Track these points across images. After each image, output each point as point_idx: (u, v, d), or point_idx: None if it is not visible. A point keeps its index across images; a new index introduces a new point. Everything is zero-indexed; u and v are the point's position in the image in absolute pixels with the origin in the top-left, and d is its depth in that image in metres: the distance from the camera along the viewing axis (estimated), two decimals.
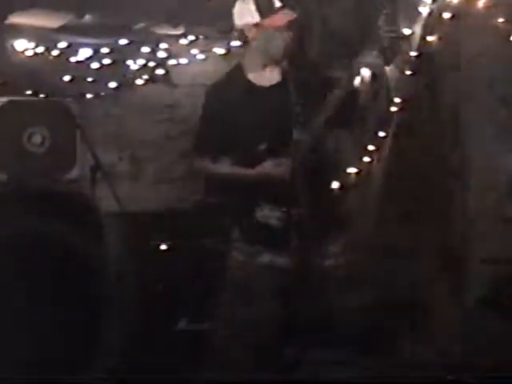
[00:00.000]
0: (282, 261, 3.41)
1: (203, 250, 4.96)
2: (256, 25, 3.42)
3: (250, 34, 3.45)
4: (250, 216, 3.42)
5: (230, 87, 3.50)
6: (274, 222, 3.37)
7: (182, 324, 4.77)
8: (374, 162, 5.04)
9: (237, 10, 3.49)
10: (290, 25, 3.44)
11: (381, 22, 3.42)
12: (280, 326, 3.40)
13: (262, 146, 3.38)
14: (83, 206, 4.84)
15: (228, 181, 3.52)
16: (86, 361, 4.07)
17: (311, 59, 3.77)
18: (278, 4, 3.44)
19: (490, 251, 4.49)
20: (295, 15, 3.45)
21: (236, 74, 3.53)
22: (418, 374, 3.68)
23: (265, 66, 3.48)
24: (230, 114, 3.44)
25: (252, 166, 3.40)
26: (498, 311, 4.36)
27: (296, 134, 3.35)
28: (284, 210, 3.36)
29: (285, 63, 3.46)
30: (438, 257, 4.66)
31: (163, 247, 5.05)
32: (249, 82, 3.49)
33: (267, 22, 3.41)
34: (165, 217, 5.27)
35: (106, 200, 4.90)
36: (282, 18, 3.42)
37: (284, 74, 3.47)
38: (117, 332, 4.14)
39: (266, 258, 3.45)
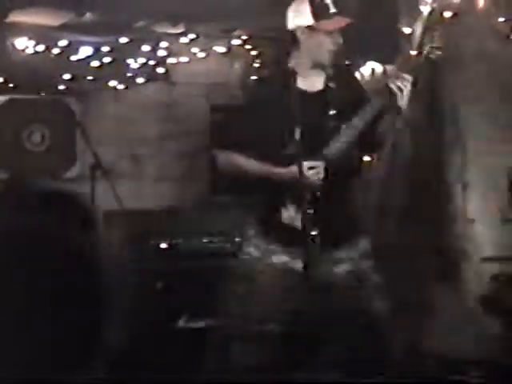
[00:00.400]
0: (297, 263, 3.40)
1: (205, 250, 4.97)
2: (309, 27, 3.43)
3: (302, 36, 3.45)
4: (274, 214, 3.41)
5: (275, 87, 3.48)
6: (298, 223, 3.36)
7: (184, 322, 4.78)
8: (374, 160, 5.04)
9: (291, 11, 3.47)
10: (342, 30, 3.44)
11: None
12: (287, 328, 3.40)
13: (293, 149, 3.38)
14: (81, 204, 4.82)
15: (255, 177, 3.50)
16: (82, 361, 4.07)
17: (351, 71, 3.76)
18: (333, 10, 3.43)
19: (490, 250, 4.49)
20: (350, 20, 3.45)
21: (283, 75, 3.50)
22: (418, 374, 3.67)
23: (310, 71, 3.48)
24: (270, 114, 3.44)
25: (282, 166, 3.40)
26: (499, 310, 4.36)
27: (328, 142, 3.35)
28: (309, 212, 3.34)
29: (329, 71, 3.46)
30: (438, 256, 4.66)
31: (163, 245, 5.06)
32: (294, 85, 3.48)
33: (322, 25, 3.40)
34: (165, 215, 5.28)
35: (105, 198, 4.91)
36: (337, 22, 3.41)
37: (327, 82, 3.46)
38: (116, 332, 4.14)
39: (282, 258, 3.45)
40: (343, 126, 3.37)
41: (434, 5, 4.61)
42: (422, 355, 4.09)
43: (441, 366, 3.87)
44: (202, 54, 5.89)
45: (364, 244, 3.53)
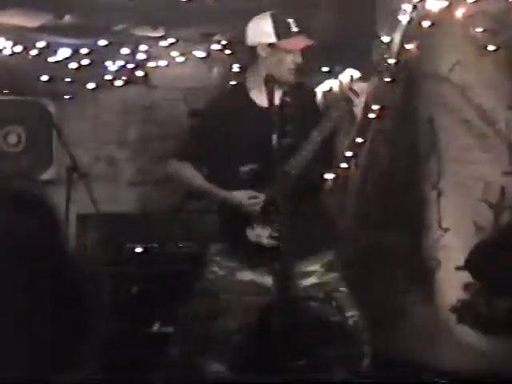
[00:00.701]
0: (264, 279, 3.40)
1: (180, 255, 4.95)
2: (271, 45, 3.42)
3: (263, 53, 3.44)
4: (239, 232, 3.41)
5: (232, 103, 3.49)
6: (266, 240, 3.36)
7: (156, 327, 4.76)
8: (351, 168, 5.05)
9: (252, 28, 3.48)
10: (303, 50, 3.44)
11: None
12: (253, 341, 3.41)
13: (250, 167, 3.38)
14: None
15: (200, 194, 3.52)
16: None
17: (309, 86, 3.77)
18: (294, 29, 3.44)
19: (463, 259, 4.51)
20: (310, 41, 3.45)
21: (239, 92, 3.52)
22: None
23: (268, 87, 3.47)
24: (226, 129, 3.44)
25: (235, 186, 3.40)
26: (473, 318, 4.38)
27: (284, 158, 3.35)
28: (272, 230, 3.34)
29: (285, 87, 3.47)
30: (413, 264, 4.67)
31: (138, 249, 5.03)
32: (251, 100, 3.49)
33: (283, 43, 3.42)
34: (141, 219, 5.26)
35: (82, 201, 4.88)
36: (299, 42, 3.44)
37: (283, 97, 3.47)
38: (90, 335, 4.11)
39: (247, 275, 3.44)
40: (302, 141, 3.36)
41: (413, 14, 4.65)
42: (393, 363, 4.10)
43: (411, 375, 3.88)
44: (181, 58, 5.88)
45: (331, 256, 3.54)
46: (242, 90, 3.53)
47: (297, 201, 3.33)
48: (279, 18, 3.45)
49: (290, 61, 3.43)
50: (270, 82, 3.38)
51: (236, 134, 3.44)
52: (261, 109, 3.46)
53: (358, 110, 3.53)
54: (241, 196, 3.39)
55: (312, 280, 3.45)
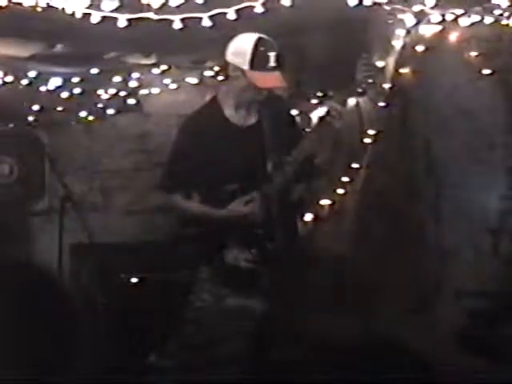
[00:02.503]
0: (251, 303, 3.36)
1: (173, 284, 4.90)
2: (242, 70, 3.36)
3: (233, 74, 3.39)
4: (219, 257, 3.37)
5: (206, 121, 3.44)
6: (243, 263, 3.32)
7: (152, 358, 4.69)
8: (348, 193, 5.03)
9: (233, 46, 3.42)
10: (271, 88, 3.38)
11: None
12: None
13: (232, 186, 3.34)
14: None
15: (197, 219, 3.47)
16: None
17: (285, 101, 3.71)
18: (273, 63, 3.34)
19: (464, 283, 4.47)
20: (282, 83, 3.36)
21: (212, 109, 3.48)
22: None
23: (240, 106, 3.44)
24: (203, 150, 3.38)
25: (221, 205, 3.35)
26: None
27: (269, 175, 3.31)
28: (254, 251, 3.31)
29: (260, 106, 3.41)
30: (413, 290, 4.63)
31: (133, 280, 4.98)
32: (225, 118, 3.44)
33: (252, 75, 3.34)
34: (135, 249, 5.21)
35: (75, 231, 4.83)
36: (269, 80, 3.34)
37: (259, 115, 3.42)
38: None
39: (234, 300, 3.39)
40: (282, 160, 3.32)
41: (407, 39, 4.65)
42: None
43: None
44: (173, 85, 5.85)
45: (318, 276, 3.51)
46: (216, 108, 3.47)
47: (280, 222, 3.29)
48: (262, 48, 3.34)
49: (252, 93, 3.38)
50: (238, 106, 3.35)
51: (214, 154, 3.38)
52: (238, 127, 3.42)
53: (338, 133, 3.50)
54: (237, 205, 3.33)
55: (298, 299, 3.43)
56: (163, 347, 4.32)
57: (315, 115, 4.45)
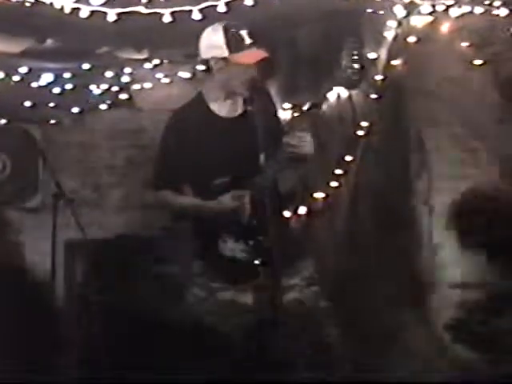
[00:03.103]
0: (241, 296, 3.35)
1: (167, 278, 4.89)
2: (224, 59, 3.36)
3: (216, 67, 3.38)
4: (212, 249, 3.35)
5: (192, 117, 3.43)
6: (240, 255, 3.30)
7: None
8: (341, 186, 5.01)
9: (204, 41, 3.41)
10: (257, 64, 3.38)
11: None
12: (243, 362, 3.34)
13: (223, 179, 3.32)
14: None
15: (189, 213, 3.45)
16: None
17: (269, 92, 3.70)
18: (248, 41, 3.35)
19: (457, 276, 4.47)
20: (265, 54, 3.38)
21: (198, 104, 3.46)
22: None
23: (226, 98, 3.42)
24: (191, 145, 3.37)
25: (212, 198, 3.33)
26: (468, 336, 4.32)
27: (257, 168, 3.29)
28: (250, 242, 3.29)
29: (247, 96, 3.39)
30: (406, 282, 4.62)
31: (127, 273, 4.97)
32: (211, 112, 3.43)
33: (236, 57, 3.33)
34: (128, 244, 5.19)
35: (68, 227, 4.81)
36: (252, 55, 3.34)
37: (245, 106, 3.40)
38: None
39: (227, 294, 3.38)
40: (270, 151, 3.30)
41: (398, 30, 4.63)
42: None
43: None
44: (166, 80, 5.84)
45: (310, 270, 3.47)
46: (201, 102, 3.46)
47: (274, 213, 3.27)
48: (232, 31, 3.34)
49: (244, 74, 3.37)
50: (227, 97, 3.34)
51: (203, 148, 3.37)
52: (224, 119, 3.41)
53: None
54: (228, 199, 3.32)
55: (293, 295, 3.39)
56: None
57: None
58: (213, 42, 3.37)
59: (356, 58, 3.34)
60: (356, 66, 3.27)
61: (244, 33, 3.35)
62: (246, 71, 3.36)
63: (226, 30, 3.36)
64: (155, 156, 3.51)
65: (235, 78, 3.35)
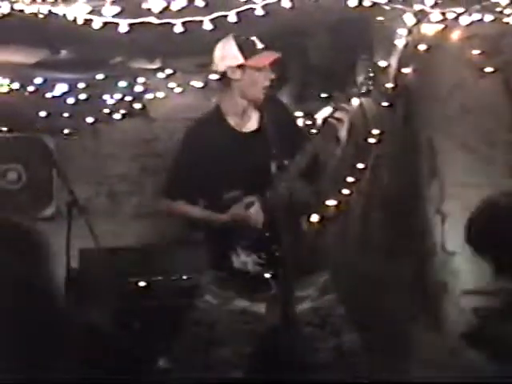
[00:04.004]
0: (255, 306, 3.36)
1: (183, 287, 4.92)
2: (240, 66, 3.39)
3: (233, 76, 3.41)
4: (225, 261, 3.37)
5: (209, 130, 3.45)
6: (252, 267, 3.32)
7: (160, 363, 4.70)
8: (353, 195, 5.02)
9: (218, 53, 3.45)
10: (273, 64, 3.41)
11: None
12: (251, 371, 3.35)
13: (236, 192, 3.34)
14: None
15: (198, 225, 3.47)
16: None
17: (287, 108, 3.72)
18: (260, 45, 3.40)
19: (470, 283, 4.46)
20: (278, 55, 3.42)
21: (215, 117, 3.49)
22: None
23: (244, 110, 3.44)
24: (207, 157, 3.39)
25: (223, 210, 3.35)
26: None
27: (273, 179, 3.30)
28: (260, 255, 3.31)
29: (263, 110, 3.41)
30: (419, 289, 4.62)
31: (141, 284, 5.00)
32: (228, 125, 3.45)
33: (251, 62, 3.36)
34: (142, 253, 5.22)
35: (82, 236, 4.84)
36: (266, 57, 3.38)
37: (261, 120, 3.42)
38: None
39: (240, 303, 3.39)
40: (285, 164, 3.31)
41: (409, 38, 4.64)
42: None
43: None
44: (179, 89, 5.88)
45: (326, 279, 3.47)
46: (218, 116, 3.49)
47: (288, 225, 3.27)
48: (242, 38, 3.40)
49: (263, 78, 3.40)
50: (249, 106, 3.37)
51: (218, 161, 3.39)
52: (241, 133, 3.43)
53: (342, 135, 3.49)
54: (238, 209, 3.34)
55: (306, 305, 3.40)
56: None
57: (320, 116, 4.48)
58: (226, 52, 3.41)
59: (369, 68, 3.36)
60: (369, 76, 3.28)
61: (254, 38, 3.41)
62: (264, 75, 3.39)
63: (236, 39, 3.41)
64: (170, 165, 3.53)
65: (254, 84, 3.38)
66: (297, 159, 3.31)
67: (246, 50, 3.37)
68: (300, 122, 5.24)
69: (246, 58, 3.37)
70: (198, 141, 3.44)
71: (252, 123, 3.45)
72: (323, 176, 3.69)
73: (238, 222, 3.32)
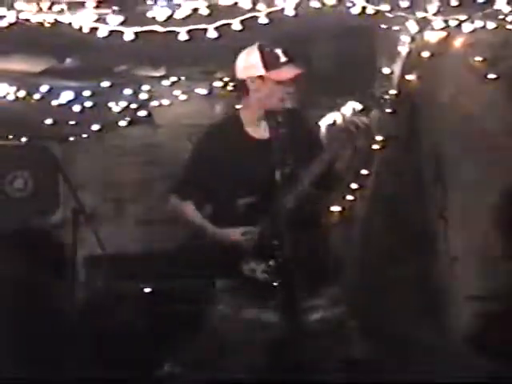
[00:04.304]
0: (267, 316, 3.38)
1: (189, 293, 4.94)
2: (260, 77, 3.41)
3: (253, 87, 3.43)
4: (235, 268, 3.39)
5: (226, 135, 3.48)
6: (261, 275, 3.34)
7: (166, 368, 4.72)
8: (357, 201, 5.04)
9: (241, 63, 3.45)
10: (294, 79, 3.43)
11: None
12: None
13: (248, 199, 3.37)
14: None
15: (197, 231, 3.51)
16: None
17: (304, 116, 3.74)
18: (283, 59, 3.40)
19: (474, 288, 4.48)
20: (300, 70, 3.43)
21: (233, 123, 3.52)
22: None
23: (260, 120, 3.47)
24: (222, 162, 3.42)
25: (233, 219, 3.39)
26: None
27: (282, 191, 3.33)
28: (271, 263, 3.33)
29: (280, 119, 3.44)
30: (423, 294, 4.64)
31: (147, 290, 5.03)
32: (245, 133, 3.48)
33: (273, 75, 3.37)
34: (147, 259, 5.25)
35: (88, 243, 4.88)
36: (288, 72, 3.39)
37: (278, 129, 3.44)
38: None
39: (251, 312, 3.41)
40: (300, 173, 3.34)
41: (412, 45, 4.67)
42: None
43: None
44: (183, 97, 5.91)
45: (336, 289, 3.49)
46: (236, 123, 3.52)
47: (297, 234, 3.30)
48: (267, 50, 3.40)
49: (281, 91, 3.42)
50: (267, 116, 3.39)
51: (233, 167, 3.42)
52: (257, 141, 3.46)
53: (359, 143, 3.49)
54: (234, 233, 3.37)
55: (317, 315, 3.42)
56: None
57: (323, 123, 4.50)
58: (249, 62, 3.41)
59: (386, 88, 3.40)
60: (387, 95, 3.33)
61: (279, 51, 3.41)
62: (283, 88, 3.42)
63: (261, 50, 3.41)
64: (185, 164, 3.56)
65: (272, 95, 3.41)
66: (311, 168, 3.33)
67: (269, 61, 3.38)
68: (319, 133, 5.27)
69: (267, 69, 3.38)
70: (214, 145, 3.46)
71: (267, 132, 3.48)
72: (336, 185, 3.70)
73: (225, 244, 3.36)
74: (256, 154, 3.39)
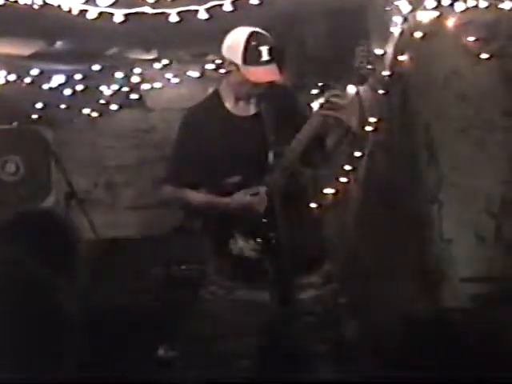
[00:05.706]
0: (259, 295, 3.36)
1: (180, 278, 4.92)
2: (236, 65, 3.35)
3: (228, 69, 3.39)
4: (224, 248, 3.37)
5: (207, 114, 3.44)
6: (248, 253, 3.32)
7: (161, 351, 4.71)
8: (351, 182, 5.02)
9: (228, 41, 3.38)
10: (265, 84, 3.35)
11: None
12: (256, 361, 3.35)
13: (236, 178, 3.34)
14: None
15: (201, 211, 3.47)
16: None
17: (287, 89, 3.68)
18: (265, 57, 3.29)
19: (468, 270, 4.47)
20: (277, 76, 3.34)
21: (214, 101, 3.48)
22: None
23: (237, 99, 3.43)
24: (206, 142, 3.39)
25: (225, 195, 3.35)
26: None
27: (270, 165, 3.29)
28: (259, 240, 3.30)
29: (260, 95, 3.39)
30: (417, 277, 4.62)
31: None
32: (226, 110, 3.45)
33: (247, 71, 3.30)
34: (140, 243, 5.23)
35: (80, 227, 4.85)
36: (264, 74, 3.31)
37: (259, 105, 3.39)
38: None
39: (242, 292, 3.39)
40: (283, 149, 3.30)
41: (404, 26, 4.63)
42: None
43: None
44: (175, 79, 5.87)
45: (329, 267, 3.47)
46: (216, 99, 3.48)
47: (286, 211, 3.27)
48: (254, 43, 3.29)
49: (249, 88, 3.36)
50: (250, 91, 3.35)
51: (218, 147, 3.39)
52: (239, 118, 3.42)
53: (351, 121, 3.47)
54: (242, 196, 3.34)
55: (311, 292, 3.40)
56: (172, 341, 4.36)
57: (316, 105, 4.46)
58: (233, 44, 3.34)
59: (365, 55, 3.31)
60: (367, 63, 3.23)
61: (264, 48, 3.29)
62: (252, 87, 3.35)
63: (248, 40, 3.30)
64: (170, 152, 3.53)
65: (241, 88, 3.37)
66: (293, 144, 3.30)
67: (249, 56, 3.29)
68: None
69: (244, 62, 3.30)
70: (196, 126, 3.43)
71: (249, 107, 3.44)
72: (325, 161, 3.67)
73: (240, 209, 3.32)
74: (239, 131, 3.36)
